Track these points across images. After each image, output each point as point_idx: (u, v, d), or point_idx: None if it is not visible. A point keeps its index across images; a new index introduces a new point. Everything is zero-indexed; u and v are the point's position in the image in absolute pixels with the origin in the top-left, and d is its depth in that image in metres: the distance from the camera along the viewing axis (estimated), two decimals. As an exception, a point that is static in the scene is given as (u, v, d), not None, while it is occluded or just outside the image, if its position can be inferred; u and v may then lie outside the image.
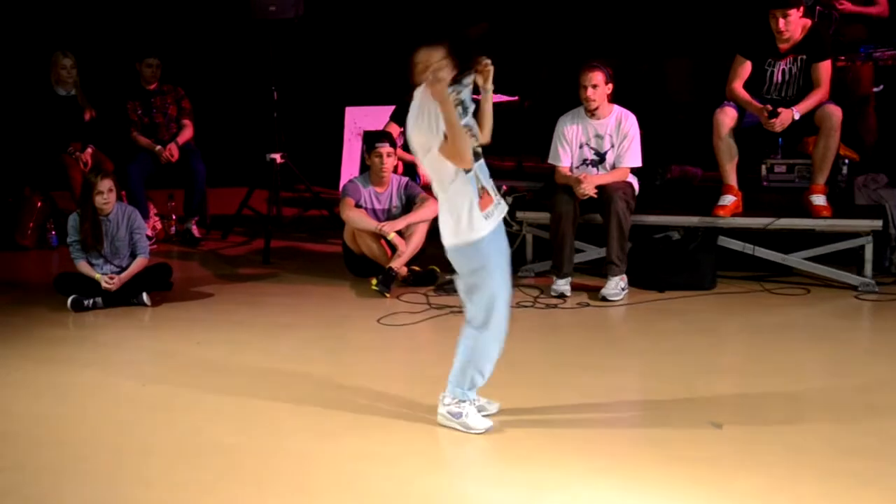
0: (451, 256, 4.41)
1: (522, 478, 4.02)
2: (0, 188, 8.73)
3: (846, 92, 7.61)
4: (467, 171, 4.22)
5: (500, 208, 4.39)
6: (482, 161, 4.34)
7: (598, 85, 6.73)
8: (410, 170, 7.80)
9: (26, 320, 6.35)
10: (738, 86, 6.92)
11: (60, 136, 8.37)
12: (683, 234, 7.10)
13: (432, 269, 7.05)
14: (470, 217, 4.25)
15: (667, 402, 4.83)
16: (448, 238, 4.35)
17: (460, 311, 6.27)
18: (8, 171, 8.79)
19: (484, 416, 4.49)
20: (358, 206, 7.14)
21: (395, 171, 7.32)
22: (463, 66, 4.27)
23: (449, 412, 4.46)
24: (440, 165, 4.22)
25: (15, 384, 5.22)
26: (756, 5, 6.90)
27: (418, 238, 7.03)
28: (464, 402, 4.44)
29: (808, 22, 6.93)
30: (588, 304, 6.57)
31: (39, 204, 8.49)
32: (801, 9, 6.78)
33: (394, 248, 6.99)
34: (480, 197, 4.26)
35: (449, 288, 6.83)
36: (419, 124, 4.19)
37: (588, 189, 6.68)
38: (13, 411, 4.85)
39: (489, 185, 4.33)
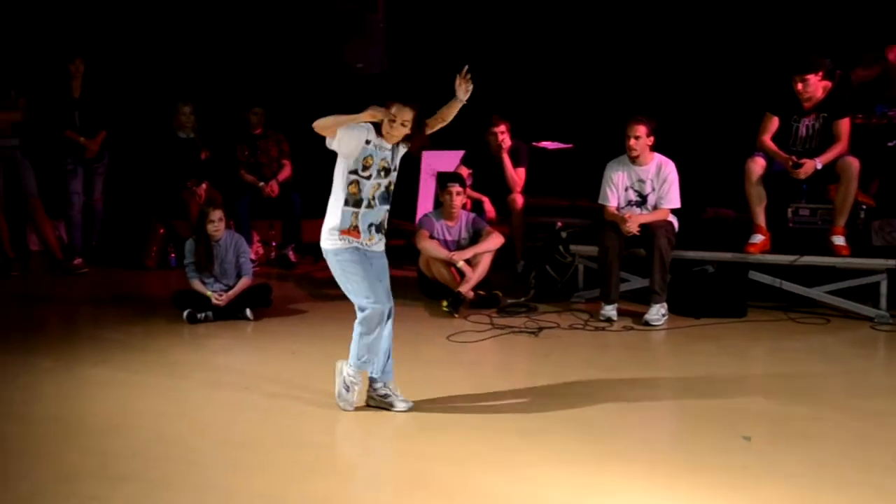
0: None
1: (567, 479, 3.97)
2: (129, 217, 8.87)
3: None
4: (347, 205, 4.64)
5: (365, 245, 4.70)
6: (373, 210, 4.69)
7: (640, 137, 6.69)
8: (478, 207, 7.80)
9: (147, 330, 6.43)
10: (766, 138, 6.83)
11: (180, 173, 8.50)
12: (717, 267, 6.99)
13: (496, 294, 7.03)
14: (329, 232, 4.70)
15: (700, 415, 4.76)
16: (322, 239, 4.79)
17: (520, 332, 6.34)
18: (136, 202, 8.94)
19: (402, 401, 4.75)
20: (432, 237, 7.15)
21: (464, 207, 7.33)
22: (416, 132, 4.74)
23: (345, 384, 4.74)
24: (337, 183, 4.69)
25: (136, 385, 5.28)
26: (783, 69, 6.82)
27: (484, 266, 7.01)
28: (354, 380, 4.72)
29: (829, 84, 6.83)
30: (632, 328, 6.48)
31: (161, 231, 8.60)
32: (821, 73, 6.68)
33: (462, 275, 6.98)
34: (347, 229, 4.65)
35: (511, 311, 6.82)
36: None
37: (632, 227, 6.63)
38: (134, 408, 4.91)
39: (364, 228, 4.68)
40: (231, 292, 6.69)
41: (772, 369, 5.71)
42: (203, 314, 6.60)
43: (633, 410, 4.83)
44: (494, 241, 7.09)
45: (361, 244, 4.69)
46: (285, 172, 8.86)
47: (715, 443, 4.35)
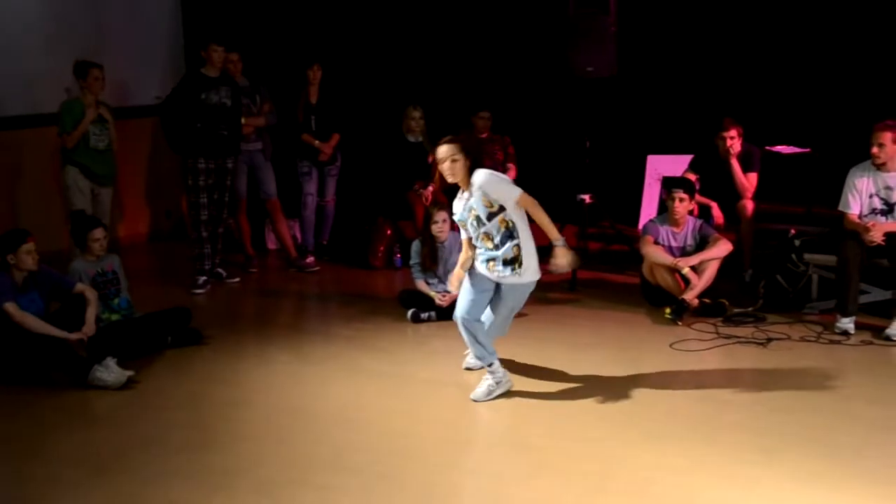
0: None
1: (803, 500, 3.80)
2: (359, 218, 9.21)
3: None
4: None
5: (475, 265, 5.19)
6: (489, 251, 5.10)
7: (884, 144, 6.29)
8: (705, 212, 7.58)
9: (375, 328, 6.65)
10: None
11: (408, 175, 8.73)
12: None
13: (721, 302, 6.81)
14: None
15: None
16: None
17: (747, 342, 6.13)
18: (365, 204, 9.27)
19: None
20: (656, 243, 7.02)
21: (690, 213, 7.14)
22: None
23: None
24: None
25: (364, 380, 5.50)
26: None
27: (710, 273, 6.80)
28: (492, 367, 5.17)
29: None
30: (872, 343, 6.10)
31: (388, 231, 8.87)
32: None
33: (687, 282, 6.81)
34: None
35: (737, 320, 6.59)
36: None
37: (876, 236, 6.25)
38: (363, 402, 5.12)
39: (481, 262, 5.15)
40: (454, 293, 6.80)
41: None
42: (427, 314, 6.77)
43: (875, 431, 4.55)
44: (722, 247, 6.86)
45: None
46: (510, 175, 8.92)
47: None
